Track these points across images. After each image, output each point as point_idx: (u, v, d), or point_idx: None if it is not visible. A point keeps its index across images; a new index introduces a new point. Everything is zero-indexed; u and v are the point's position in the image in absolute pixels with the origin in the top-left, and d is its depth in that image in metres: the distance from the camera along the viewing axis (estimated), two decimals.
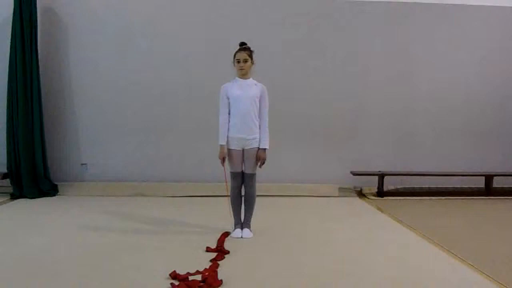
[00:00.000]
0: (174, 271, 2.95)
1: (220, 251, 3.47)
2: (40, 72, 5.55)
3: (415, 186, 6.18)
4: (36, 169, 5.50)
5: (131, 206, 5.11)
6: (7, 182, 5.55)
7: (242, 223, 3.98)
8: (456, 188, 6.18)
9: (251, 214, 3.98)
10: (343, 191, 6.01)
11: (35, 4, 5.45)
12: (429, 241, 3.96)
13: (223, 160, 3.86)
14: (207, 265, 3.19)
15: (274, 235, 4.03)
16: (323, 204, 5.47)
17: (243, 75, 3.83)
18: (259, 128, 3.85)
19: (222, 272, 3.09)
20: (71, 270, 3.09)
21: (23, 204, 5.20)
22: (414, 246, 3.87)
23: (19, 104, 5.39)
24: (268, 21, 5.87)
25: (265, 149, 3.85)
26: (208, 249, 3.50)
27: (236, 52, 3.82)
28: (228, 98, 3.81)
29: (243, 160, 3.87)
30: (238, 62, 3.79)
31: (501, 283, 2.98)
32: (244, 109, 3.75)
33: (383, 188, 5.93)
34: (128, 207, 5.08)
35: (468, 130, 6.24)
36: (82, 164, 5.93)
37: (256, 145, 3.84)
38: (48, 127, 5.72)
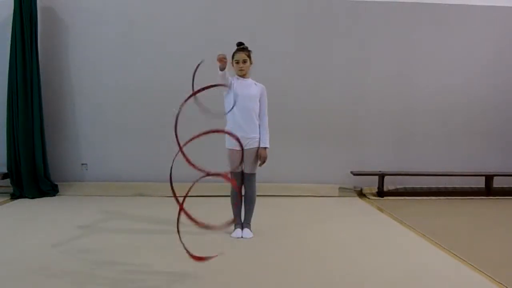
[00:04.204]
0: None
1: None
2: (40, 72, 5.55)
3: (415, 186, 6.18)
4: (36, 169, 5.50)
5: (131, 206, 5.12)
6: (7, 182, 5.54)
7: (242, 223, 3.98)
8: (456, 188, 6.18)
9: (251, 214, 3.99)
10: (343, 191, 6.00)
11: (35, 4, 5.45)
12: (429, 241, 3.96)
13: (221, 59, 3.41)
14: (207, 265, 3.19)
15: (274, 235, 4.03)
16: (323, 204, 5.47)
17: (243, 75, 3.83)
18: (259, 127, 3.85)
19: (222, 272, 3.09)
20: (71, 270, 3.09)
21: (23, 204, 5.20)
22: (414, 246, 3.88)
23: (19, 104, 5.39)
24: (268, 21, 5.87)
25: (266, 147, 3.86)
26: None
27: (235, 52, 3.82)
28: (231, 85, 3.72)
29: (243, 160, 3.87)
30: (237, 63, 3.80)
31: (501, 283, 2.99)
32: (245, 108, 3.74)
33: (383, 188, 5.93)
34: (128, 207, 5.08)
35: (468, 130, 6.24)
36: (82, 164, 5.93)
37: (256, 145, 3.85)
38: (48, 127, 5.72)
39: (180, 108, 2.90)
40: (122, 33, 5.79)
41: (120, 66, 5.83)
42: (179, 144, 3.05)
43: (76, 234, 3.97)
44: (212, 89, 3.45)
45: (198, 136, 3.00)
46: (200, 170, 2.99)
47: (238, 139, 3.21)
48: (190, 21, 5.82)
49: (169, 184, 5.67)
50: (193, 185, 3.04)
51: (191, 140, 2.97)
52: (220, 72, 3.49)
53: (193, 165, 3.00)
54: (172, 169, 3.10)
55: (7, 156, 5.52)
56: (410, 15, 6.02)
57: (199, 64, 3.13)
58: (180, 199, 3.06)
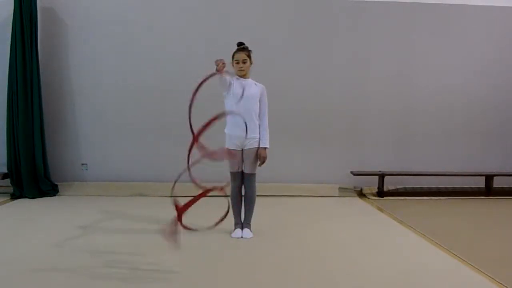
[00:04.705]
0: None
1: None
2: (40, 72, 5.55)
3: (415, 186, 6.18)
4: (36, 169, 5.50)
5: (131, 206, 5.12)
6: (7, 182, 5.55)
7: (242, 223, 3.98)
8: (456, 188, 6.18)
9: (251, 214, 3.99)
10: (343, 191, 6.00)
11: (35, 4, 5.45)
12: (429, 241, 3.96)
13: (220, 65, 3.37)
14: (208, 265, 3.19)
15: (274, 235, 4.03)
16: (323, 204, 5.47)
17: (243, 75, 3.83)
18: (259, 127, 3.85)
19: (222, 272, 3.09)
20: (71, 269, 3.09)
21: (23, 204, 5.20)
22: (414, 246, 3.88)
23: (19, 104, 5.39)
24: (268, 21, 5.87)
25: (265, 148, 3.86)
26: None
27: (235, 52, 3.82)
28: (230, 85, 3.75)
29: (242, 160, 3.87)
30: (237, 63, 3.79)
31: (501, 283, 2.99)
32: (245, 108, 3.74)
33: (383, 188, 5.93)
34: (128, 207, 5.08)
35: (468, 130, 6.24)
36: (82, 164, 5.93)
37: (255, 145, 3.85)
38: (48, 127, 5.72)
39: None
40: (122, 33, 5.79)
41: (120, 66, 5.83)
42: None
43: (76, 234, 3.97)
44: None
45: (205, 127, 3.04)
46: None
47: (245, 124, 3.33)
48: (190, 21, 5.82)
49: (168, 183, 5.68)
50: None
51: (200, 132, 3.03)
52: (217, 73, 3.47)
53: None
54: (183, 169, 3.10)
55: (7, 156, 5.52)
56: (410, 15, 6.02)
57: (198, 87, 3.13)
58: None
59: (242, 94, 3.47)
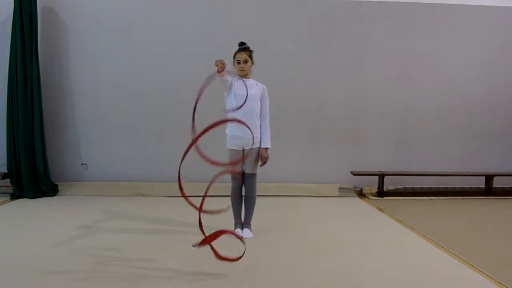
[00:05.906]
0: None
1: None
2: (40, 72, 5.55)
3: (415, 186, 6.18)
4: (36, 169, 5.50)
5: (131, 206, 5.12)
6: (7, 182, 5.54)
7: (243, 223, 3.98)
8: (456, 188, 6.18)
9: (251, 214, 3.99)
10: (343, 191, 6.00)
11: (35, 4, 5.45)
12: (429, 241, 3.97)
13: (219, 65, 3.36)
14: (208, 264, 3.19)
15: (274, 235, 4.03)
16: (323, 204, 5.48)
17: (244, 75, 3.83)
18: (260, 127, 3.85)
19: (222, 272, 3.09)
20: (71, 270, 3.10)
21: (23, 204, 5.20)
22: (414, 246, 3.88)
23: (19, 104, 5.39)
24: (268, 21, 5.87)
25: (267, 148, 3.86)
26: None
27: (236, 52, 3.82)
28: (231, 86, 3.75)
29: (243, 160, 3.87)
30: (239, 63, 3.79)
31: (501, 283, 2.99)
32: (246, 108, 3.73)
33: (383, 188, 5.93)
34: (128, 207, 5.08)
35: (468, 130, 6.24)
36: (82, 164, 5.93)
37: (256, 145, 3.84)
38: (48, 127, 5.72)
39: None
40: (122, 33, 5.79)
41: (120, 66, 5.82)
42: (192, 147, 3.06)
43: (76, 234, 3.97)
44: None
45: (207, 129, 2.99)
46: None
47: (247, 126, 3.33)
48: (190, 21, 5.82)
49: (168, 183, 5.68)
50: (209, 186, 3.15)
51: (201, 134, 2.97)
52: (217, 74, 3.47)
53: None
54: (183, 169, 3.09)
55: (7, 156, 5.52)
56: (410, 15, 6.02)
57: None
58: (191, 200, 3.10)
59: (246, 97, 3.46)
